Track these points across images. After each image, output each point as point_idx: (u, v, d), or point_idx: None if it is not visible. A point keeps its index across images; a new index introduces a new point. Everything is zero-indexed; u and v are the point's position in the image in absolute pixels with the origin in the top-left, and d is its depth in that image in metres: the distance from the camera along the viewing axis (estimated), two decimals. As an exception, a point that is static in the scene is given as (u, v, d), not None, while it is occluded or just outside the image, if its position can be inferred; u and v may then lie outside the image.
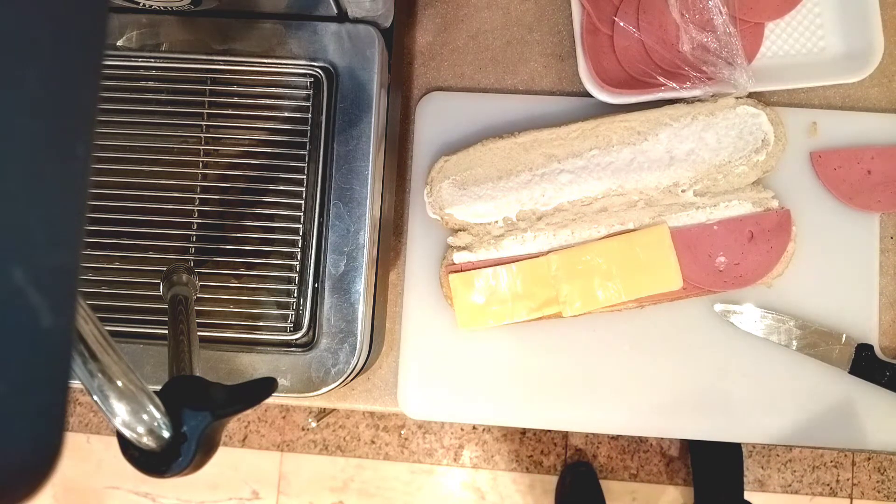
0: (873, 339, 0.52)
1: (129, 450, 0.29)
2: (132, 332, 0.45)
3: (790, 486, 1.27)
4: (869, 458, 1.27)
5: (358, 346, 0.45)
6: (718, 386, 0.52)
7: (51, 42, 0.17)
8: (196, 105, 0.47)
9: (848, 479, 1.27)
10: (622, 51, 0.52)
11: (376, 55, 0.47)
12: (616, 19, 0.52)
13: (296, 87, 0.48)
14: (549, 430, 1.30)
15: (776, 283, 0.52)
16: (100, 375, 0.27)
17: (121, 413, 0.27)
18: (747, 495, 1.22)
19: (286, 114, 0.47)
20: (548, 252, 0.51)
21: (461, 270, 0.51)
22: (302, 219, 0.47)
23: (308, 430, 1.34)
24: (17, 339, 0.16)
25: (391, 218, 0.54)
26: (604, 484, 1.28)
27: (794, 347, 0.51)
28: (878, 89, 0.55)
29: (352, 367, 0.45)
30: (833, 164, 0.52)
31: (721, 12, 0.50)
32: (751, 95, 0.51)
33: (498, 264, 0.51)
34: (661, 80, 0.51)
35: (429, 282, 0.53)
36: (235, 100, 0.48)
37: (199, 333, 0.39)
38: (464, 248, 0.51)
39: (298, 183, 0.47)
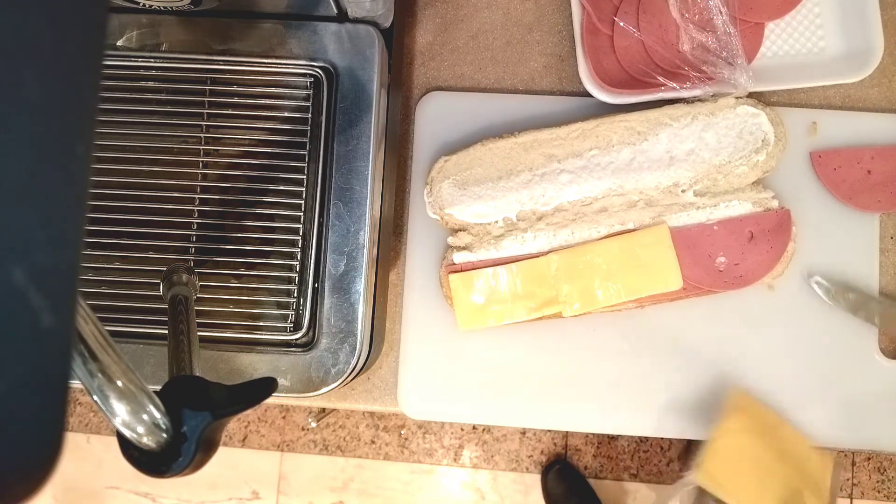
0: (873, 338, 0.52)
1: (129, 450, 0.29)
2: (132, 332, 0.45)
3: (790, 486, 1.27)
4: (869, 458, 1.27)
5: (358, 346, 0.45)
6: (718, 387, 0.52)
7: (51, 42, 0.17)
8: (196, 105, 0.47)
9: (848, 479, 1.27)
10: (622, 51, 0.52)
11: (376, 55, 0.47)
12: (616, 19, 0.52)
13: (296, 87, 0.48)
14: (549, 430, 1.30)
15: (776, 283, 0.52)
16: (100, 375, 0.27)
17: (121, 413, 0.27)
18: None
19: (286, 114, 0.47)
20: (548, 252, 0.51)
21: (461, 270, 0.51)
22: (302, 219, 0.47)
23: (308, 430, 1.34)
24: (17, 339, 0.16)
25: (391, 218, 0.54)
26: (604, 484, 1.28)
27: (876, 323, 0.51)
28: (878, 89, 0.55)
29: (352, 367, 0.45)
30: (833, 164, 0.52)
31: (721, 12, 0.50)
32: (751, 95, 0.51)
33: (498, 264, 0.51)
34: (661, 80, 0.51)
35: (429, 282, 0.53)
36: (235, 100, 0.48)
37: (199, 333, 0.39)
38: (464, 248, 0.51)
39: (298, 183, 0.47)
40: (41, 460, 0.17)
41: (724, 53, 0.50)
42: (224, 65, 0.47)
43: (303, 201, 0.47)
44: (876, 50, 0.51)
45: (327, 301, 0.46)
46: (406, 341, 0.53)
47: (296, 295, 0.46)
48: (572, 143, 0.51)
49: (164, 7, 0.45)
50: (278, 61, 0.47)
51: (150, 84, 0.48)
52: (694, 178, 0.51)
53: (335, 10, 0.46)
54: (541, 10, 0.57)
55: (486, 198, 0.51)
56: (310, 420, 1.33)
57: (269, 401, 0.37)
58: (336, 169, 0.46)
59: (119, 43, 0.48)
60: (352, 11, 0.46)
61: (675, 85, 0.50)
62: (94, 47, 0.19)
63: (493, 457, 1.31)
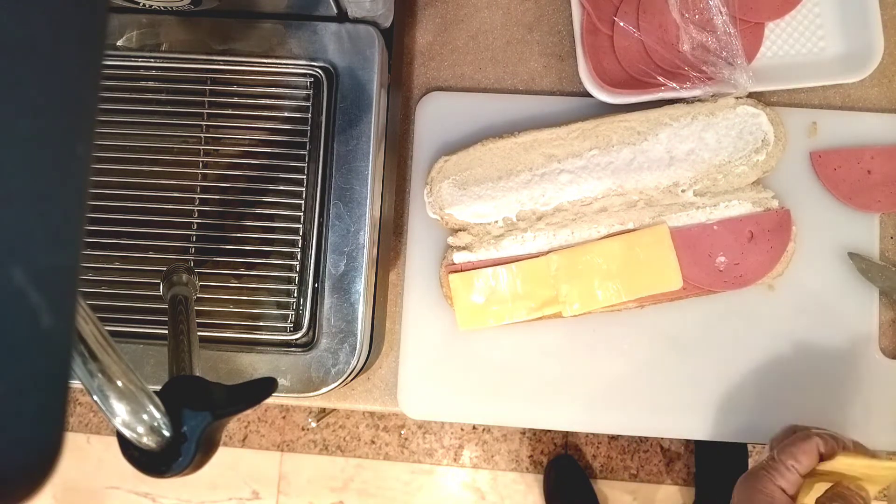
0: (873, 339, 0.52)
1: (129, 450, 0.29)
2: (132, 332, 0.45)
3: (790, 486, 1.27)
4: (869, 458, 1.27)
5: (358, 346, 0.45)
6: (718, 386, 0.52)
7: (51, 42, 0.17)
8: (196, 105, 0.47)
9: (848, 479, 1.27)
10: (622, 51, 0.52)
11: (376, 55, 0.47)
12: (616, 19, 0.52)
13: (296, 87, 0.48)
14: (549, 430, 1.30)
15: (776, 283, 0.52)
16: (100, 375, 0.27)
17: (121, 413, 0.27)
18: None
19: (286, 114, 0.47)
20: (548, 252, 0.51)
21: (461, 270, 0.51)
22: (302, 219, 0.47)
23: (308, 430, 1.34)
24: (17, 339, 0.16)
25: (391, 218, 0.54)
26: (604, 484, 1.28)
27: None
28: (878, 89, 0.55)
29: (352, 367, 0.45)
30: (833, 164, 0.52)
31: (721, 12, 0.50)
32: (751, 95, 0.51)
33: (498, 264, 0.51)
34: (661, 80, 0.51)
35: (429, 282, 0.53)
36: (235, 100, 0.48)
37: (199, 333, 0.39)
38: (464, 248, 0.51)
39: (298, 183, 0.47)
40: (41, 460, 0.17)
41: (724, 53, 0.50)
42: (224, 65, 0.47)
43: (303, 201, 0.47)
44: (876, 50, 0.51)
45: (327, 301, 0.46)
46: (406, 341, 0.53)
47: (296, 295, 0.46)
48: (572, 143, 0.51)
49: (164, 7, 0.45)
50: (278, 61, 0.47)
51: (150, 84, 0.48)
52: (694, 178, 0.51)
53: (335, 10, 0.46)
54: (541, 10, 0.57)
55: (486, 198, 0.51)
56: (310, 420, 1.33)
57: (269, 401, 0.37)
58: (336, 169, 0.46)
59: (119, 43, 0.48)
60: (352, 11, 0.46)
61: (675, 85, 0.50)
62: (94, 47, 0.19)
63: (493, 457, 1.31)
